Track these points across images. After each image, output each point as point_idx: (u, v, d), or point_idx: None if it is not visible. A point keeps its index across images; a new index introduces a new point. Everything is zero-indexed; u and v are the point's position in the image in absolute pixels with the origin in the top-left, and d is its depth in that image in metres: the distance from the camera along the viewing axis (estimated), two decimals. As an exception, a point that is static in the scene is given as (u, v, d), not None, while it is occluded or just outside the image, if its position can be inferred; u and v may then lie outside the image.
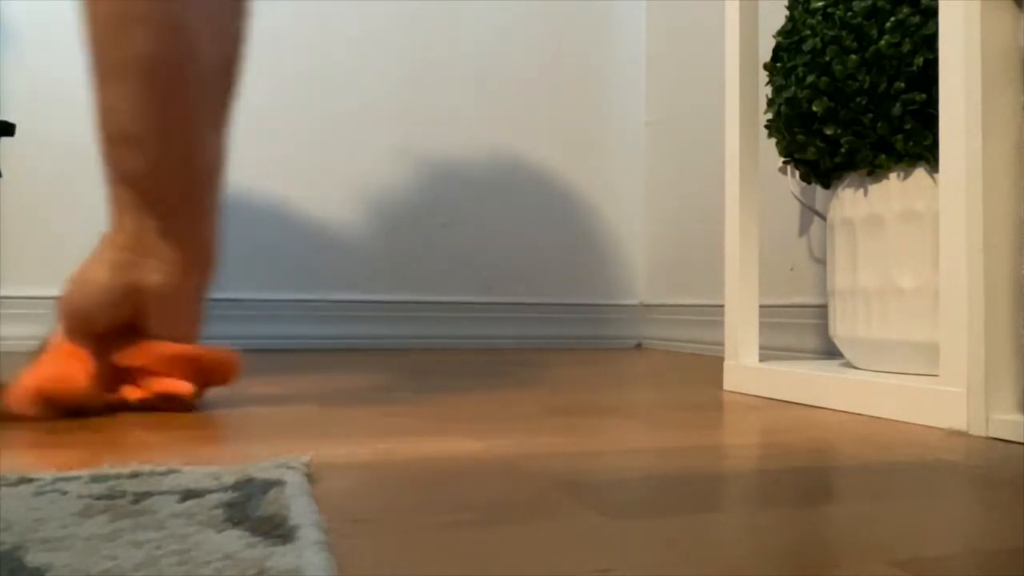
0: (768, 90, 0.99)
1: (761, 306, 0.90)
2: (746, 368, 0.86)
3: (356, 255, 1.52)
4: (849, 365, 0.84)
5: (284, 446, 0.50)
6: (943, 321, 0.63)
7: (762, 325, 0.90)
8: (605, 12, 1.71)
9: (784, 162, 0.89)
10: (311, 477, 0.42)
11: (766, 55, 0.91)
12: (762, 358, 0.88)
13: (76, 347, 0.62)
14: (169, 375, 0.63)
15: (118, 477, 0.39)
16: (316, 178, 1.50)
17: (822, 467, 0.47)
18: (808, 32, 0.79)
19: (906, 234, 0.75)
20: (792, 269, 1.24)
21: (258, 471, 0.41)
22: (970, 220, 0.60)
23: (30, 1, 1.37)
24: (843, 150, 0.78)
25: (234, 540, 0.29)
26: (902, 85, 0.71)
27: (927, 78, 0.70)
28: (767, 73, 0.87)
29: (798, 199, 1.17)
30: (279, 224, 1.48)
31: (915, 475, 0.45)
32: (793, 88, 0.80)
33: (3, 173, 0.86)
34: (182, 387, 0.63)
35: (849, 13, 0.75)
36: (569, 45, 1.68)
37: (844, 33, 0.75)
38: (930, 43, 0.69)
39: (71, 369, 0.60)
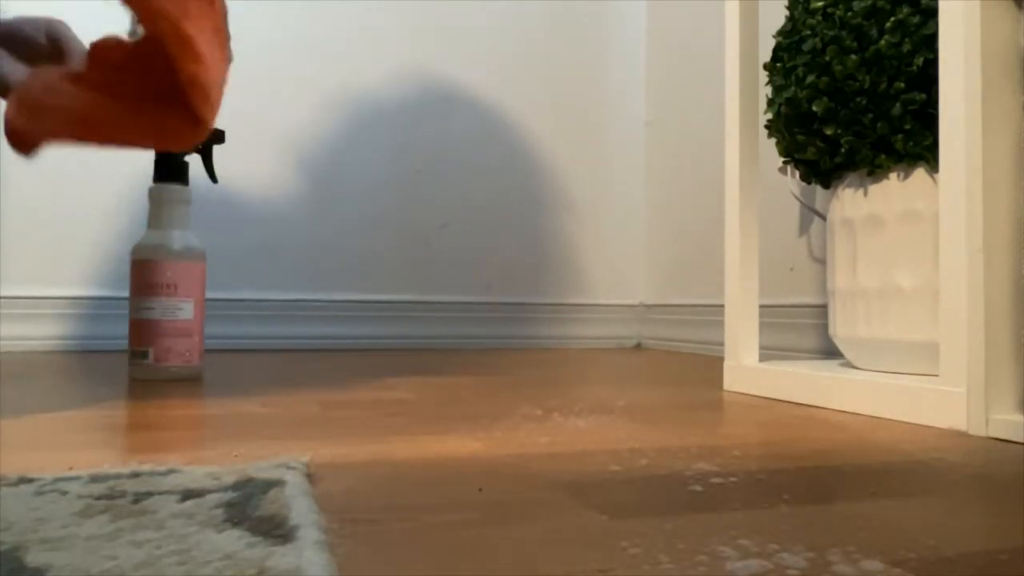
0: (768, 90, 0.99)
1: (761, 306, 0.90)
2: (746, 368, 0.86)
3: (356, 255, 1.52)
4: (849, 365, 0.84)
5: (284, 446, 0.50)
6: (943, 321, 0.63)
7: (762, 325, 0.91)
8: (605, 12, 1.71)
9: (784, 162, 0.89)
10: (311, 477, 0.42)
11: (766, 55, 0.91)
12: (762, 358, 0.88)
13: None
14: None
15: (118, 477, 0.39)
16: (315, 178, 1.50)
17: (822, 467, 0.47)
18: (808, 32, 0.79)
19: (906, 234, 0.75)
20: (792, 269, 1.24)
21: (258, 471, 0.41)
22: (970, 220, 0.60)
23: (32, 1, 1.37)
24: (843, 150, 0.78)
25: (234, 540, 0.29)
26: (902, 85, 0.71)
27: (927, 78, 0.70)
28: (767, 73, 0.87)
29: (798, 199, 1.17)
30: (279, 224, 1.48)
31: (915, 475, 0.46)
32: (793, 88, 0.80)
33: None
34: None
35: (849, 13, 0.75)
36: (569, 45, 1.68)
37: (844, 33, 0.75)
38: (930, 43, 0.69)
39: None
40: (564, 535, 0.33)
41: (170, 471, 0.41)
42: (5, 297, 1.32)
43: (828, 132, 0.78)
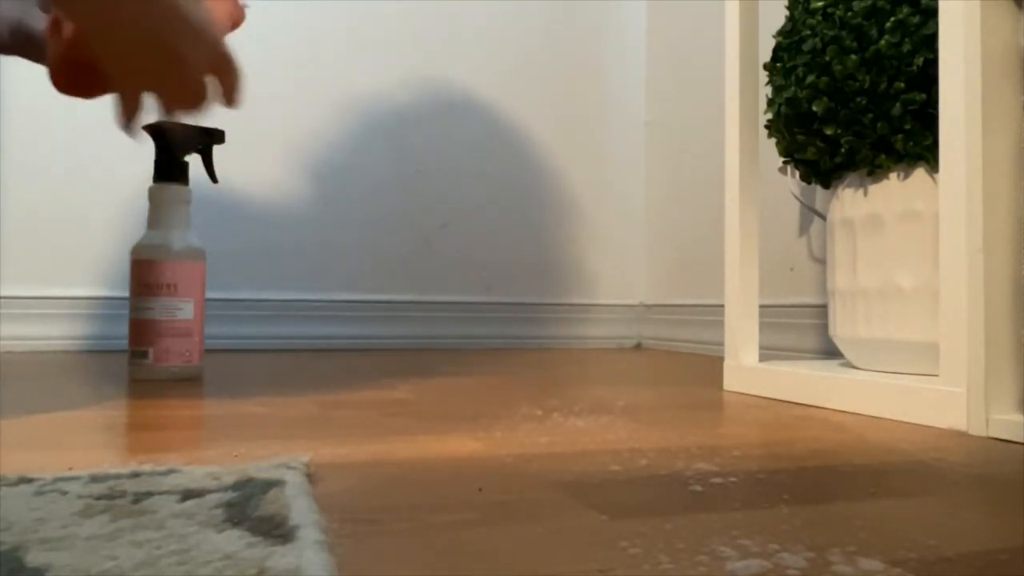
0: (768, 90, 0.99)
1: (761, 306, 0.90)
2: (746, 368, 0.86)
3: (356, 255, 1.52)
4: (849, 365, 0.84)
5: (284, 446, 0.50)
6: (943, 321, 0.63)
7: (762, 325, 0.91)
8: (605, 12, 1.71)
9: (784, 162, 0.89)
10: (311, 477, 0.42)
11: (766, 55, 0.91)
12: (762, 358, 0.88)
13: None
14: None
15: (118, 477, 0.39)
16: (316, 178, 1.51)
17: (822, 467, 0.47)
18: (808, 32, 0.79)
19: (906, 234, 0.75)
20: (792, 269, 1.24)
21: (258, 471, 0.41)
22: (970, 220, 0.60)
23: None
24: (843, 150, 0.78)
25: (234, 540, 0.29)
26: (902, 85, 0.71)
27: (927, 78, 0.70)
28: (767, 73, 0.87)
29: (798, 199, 1.17)
30: (279, 224, 1.48)
31: (915, 475, 0.46)
32: (793, 88, 0.80)
33: (205, 181, 0.92)
34: None
35: (849, 13, 0.75)
36: (569, 45, 1.68)
37: (844, 33, 0.75)
38: (930, 43, 0.69)
39: None
40: (564, 535, 0.33)
41: (170, 471, 0.41)
42: (5, 297, 1.32)
43: (828, 132, 0.78)
